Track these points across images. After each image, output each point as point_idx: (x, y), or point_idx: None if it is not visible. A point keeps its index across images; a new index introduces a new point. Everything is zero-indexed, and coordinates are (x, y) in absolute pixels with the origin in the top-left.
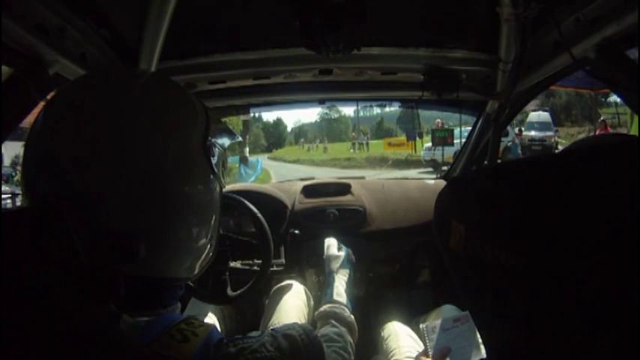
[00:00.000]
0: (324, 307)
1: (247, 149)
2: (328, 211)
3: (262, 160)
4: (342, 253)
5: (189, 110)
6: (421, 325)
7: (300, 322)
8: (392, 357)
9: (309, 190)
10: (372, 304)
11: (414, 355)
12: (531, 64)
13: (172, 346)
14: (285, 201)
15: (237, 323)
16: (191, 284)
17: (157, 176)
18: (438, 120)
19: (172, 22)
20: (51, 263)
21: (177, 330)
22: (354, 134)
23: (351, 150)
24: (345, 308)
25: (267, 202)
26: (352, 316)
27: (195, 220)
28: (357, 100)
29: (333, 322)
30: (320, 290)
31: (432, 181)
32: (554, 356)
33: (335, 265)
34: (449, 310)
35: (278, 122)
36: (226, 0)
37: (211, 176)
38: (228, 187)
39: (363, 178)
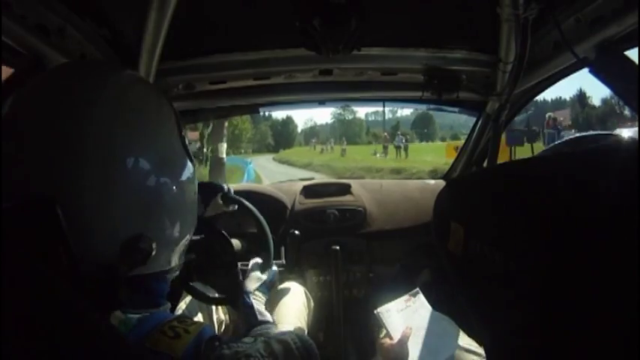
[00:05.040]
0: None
1: (224, 146)
2: (328, 211)
3: (253, 164)
4: (264, 277)
5: (169, 110)
6: (375, 311)
7: (299, 324)
8: None
9: (310, 191)
10: (372, 305)
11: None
12: (531, 64)
13: (164, 342)
14: (285, 201)
15: (234, 324)
16: (192, 285)
17: (151, 177)
18: (550, 114)
19: (172, 22)
20: (40, 259)
21: (169, 327)
22: (385, 134)
23: (377, 155)
24: (273, 326)
25: (267, 202)
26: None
27: (187, 214)
28: (357, 101)
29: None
30: (320, 291)
31: (432, 182)
32: (555, 356)
33: (252, 285)
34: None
35: (288, 121)
36: (227, 0)
37: (193, 170)
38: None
39: (363, 178)
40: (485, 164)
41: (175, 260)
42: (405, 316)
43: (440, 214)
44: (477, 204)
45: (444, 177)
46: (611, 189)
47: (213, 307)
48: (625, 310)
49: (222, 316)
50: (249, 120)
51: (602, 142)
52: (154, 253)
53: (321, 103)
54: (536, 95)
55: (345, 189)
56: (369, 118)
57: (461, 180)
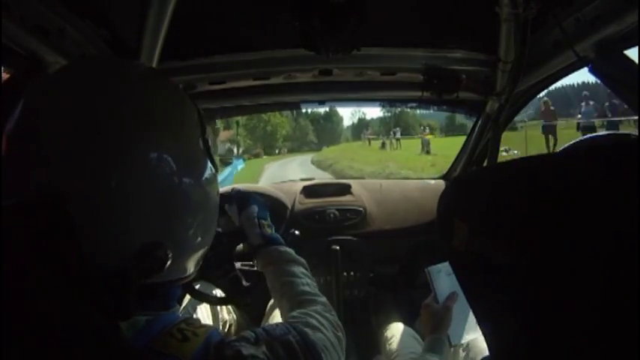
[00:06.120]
0: (265, 252)
1: None
2: (328, 211)
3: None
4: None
5: (192, 109)
6: (426, 270)
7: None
8: (395, 357)
9: (309, 191)
10: (373, 305)
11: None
12: (531, 64)
13: (172, 345)
14: (285, 201)
15: (237, 324)
16: (194, 286)
17: (173, 181)
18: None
19: (172, 22)
20: (47, 259)
21: (177, 329)
22: (546, 101)
23: (516, 152)
24: (281, 246)
25: (266, 202)
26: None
27: (207, 221)
28: (357, 101)
29: (295, 270)
30: (320, 291)
31: (432, 182)
32: (558, 355)
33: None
34: None
35: (331, 113)
36: (226, 1)
37: (216, 175)
38: (225, 188)
39: (362, 178)
40: (485, 164)
41: (192, 268)
42: (453, 280)
43: (444, 212)
44: (481, 201)
45: (444, 177)
46: (613, 188)
47: (217, 307)
48: (624, 310)
49: (226, 316)
50: (286, 114)
51: (602, 141)
52: (169, 262)
53: (321, 103)
54: (536, 95)
55: (345, 189)
56: (418, 112)
57: (464, 178)
